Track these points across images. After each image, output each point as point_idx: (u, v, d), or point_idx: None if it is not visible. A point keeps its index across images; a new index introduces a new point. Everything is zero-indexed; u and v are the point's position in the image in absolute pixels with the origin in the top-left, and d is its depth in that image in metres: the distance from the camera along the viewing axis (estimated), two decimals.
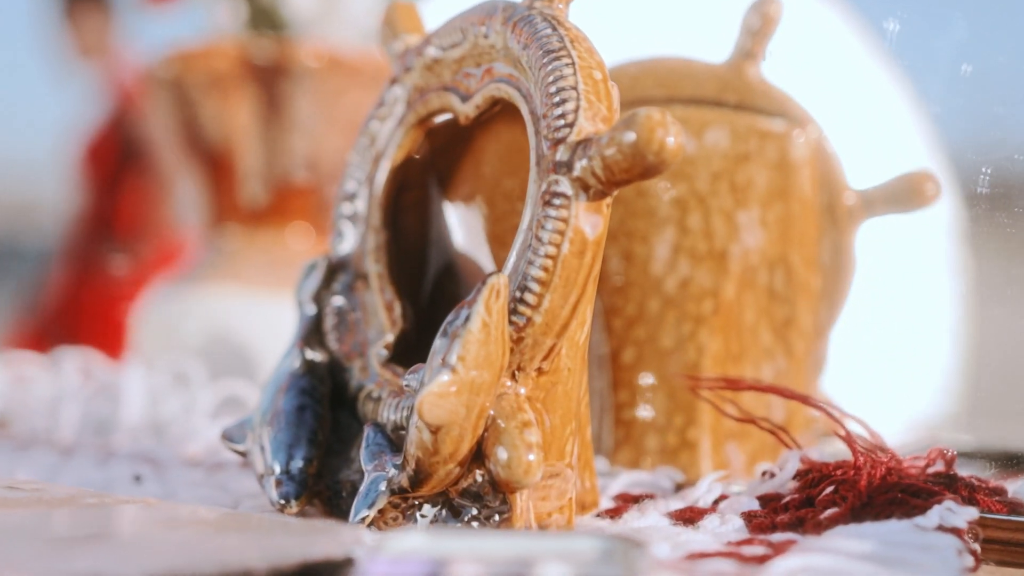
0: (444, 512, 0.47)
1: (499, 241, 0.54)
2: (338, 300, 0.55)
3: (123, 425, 0.70)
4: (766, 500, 0.50)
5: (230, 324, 0.85)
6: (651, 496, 0.53)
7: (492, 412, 0.44)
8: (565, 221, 0.44)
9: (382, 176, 0.55)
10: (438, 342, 0.44)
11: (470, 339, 0.44)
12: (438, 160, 0.56)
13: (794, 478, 0.51)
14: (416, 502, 0.47)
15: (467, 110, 0.52)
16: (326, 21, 0.90)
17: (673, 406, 0.59)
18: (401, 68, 0.55)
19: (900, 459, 0.48)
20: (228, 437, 0.53)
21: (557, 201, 0.45)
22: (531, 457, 0.44)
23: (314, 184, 0.88)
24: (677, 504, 0.51)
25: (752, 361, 0.60)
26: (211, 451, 0.65)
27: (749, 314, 0.59)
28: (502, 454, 0.44)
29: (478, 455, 0.45)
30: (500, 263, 0.54)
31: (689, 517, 0.49)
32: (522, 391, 0.46)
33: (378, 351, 0.53)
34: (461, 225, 0.55)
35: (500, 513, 0.46)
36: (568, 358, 0.47)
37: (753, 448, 0.59)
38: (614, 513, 0.50)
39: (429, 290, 0.56)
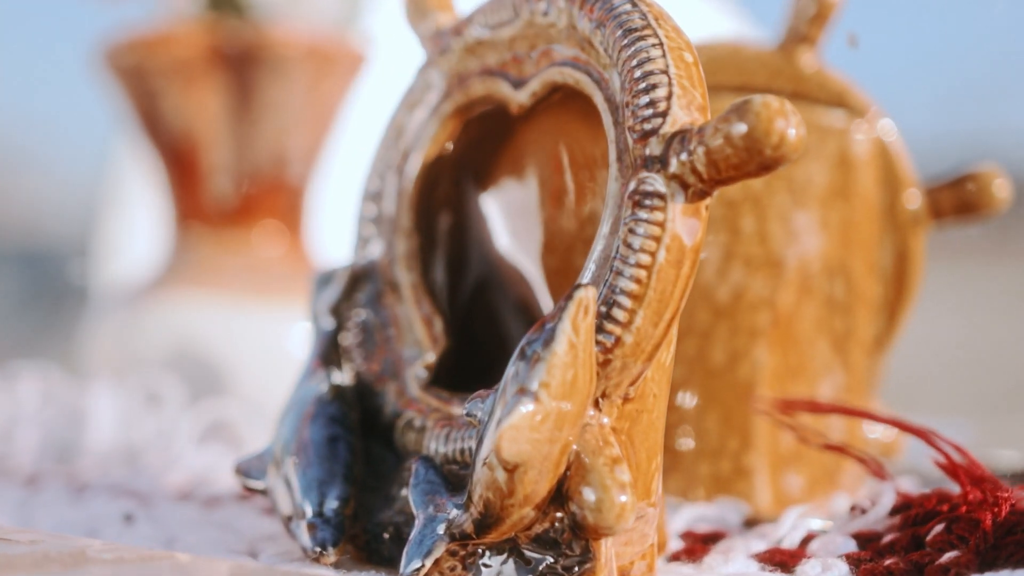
0: (512, 562, 0.40)
1: (549, 248, 0.47)
2: (363, 314, 0.49)
3: (90, 452, 0.62)
4: (864, 540, 0.44)
5: (195, 336, 0.77)
6: (722, 534, 0.48)
7: (575, 447, 0.38)
8: (660, 225, 0.38)
9: (412, 173, 0.49)
10: (515, 366, 0.38)
11: (555, 363, 0.37)
12: (472, 155, 0.49)
13: (890, 514, 0.45)
14: (479, 550, 0.41)
15: (521, 97, 0.45)
16: (292, 5, 0.83)
17: (727, 429, 0.53)
18: (435, 51, 0.48)
19: (1018, 493, 0.43)
20: (244, 472, 0.46)
21: (650, 202, 0.39)
22: (623, 499, 0.38)
23: (287, 181, 0.81)
24: (757, 543, 0.45)
25: (809, 378, 0.54)
26: (198, 482, 0.58)
27: (807, 326, 0.54)
28: (590, 496, 0.38)
29: (556, 496, 0.39)
30: (550, 271, 0.48)
31: (781, 561, 0.43)
32: (606, 421, 0.40)
33: (417, 372, 0.46)
34: (501, 229, 0.49)
35: (581, 563, 0.40)
36: (654, 383, 0.41)
37: (813, 474, 0.54)
38: (691, 556, 0.44)
39: (465, 302, 0.50)
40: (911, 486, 0.47)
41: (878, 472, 0.47)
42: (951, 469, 0.44)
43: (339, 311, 0.49)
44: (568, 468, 0.38)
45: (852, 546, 0.44)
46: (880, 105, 0.55)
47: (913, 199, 0.56)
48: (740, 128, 0.37)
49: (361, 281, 0.49)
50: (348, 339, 0.49)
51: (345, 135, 0.86)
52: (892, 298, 0.56)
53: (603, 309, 0.39)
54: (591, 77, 0.42)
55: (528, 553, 0.40)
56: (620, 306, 0.38)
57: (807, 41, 0.55)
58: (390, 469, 0.45)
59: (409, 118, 0.49)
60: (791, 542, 0.45)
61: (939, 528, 0.43)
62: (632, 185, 0.39)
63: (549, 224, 0.47)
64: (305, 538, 0.42)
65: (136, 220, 1.29)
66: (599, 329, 0.39)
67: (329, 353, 0.49)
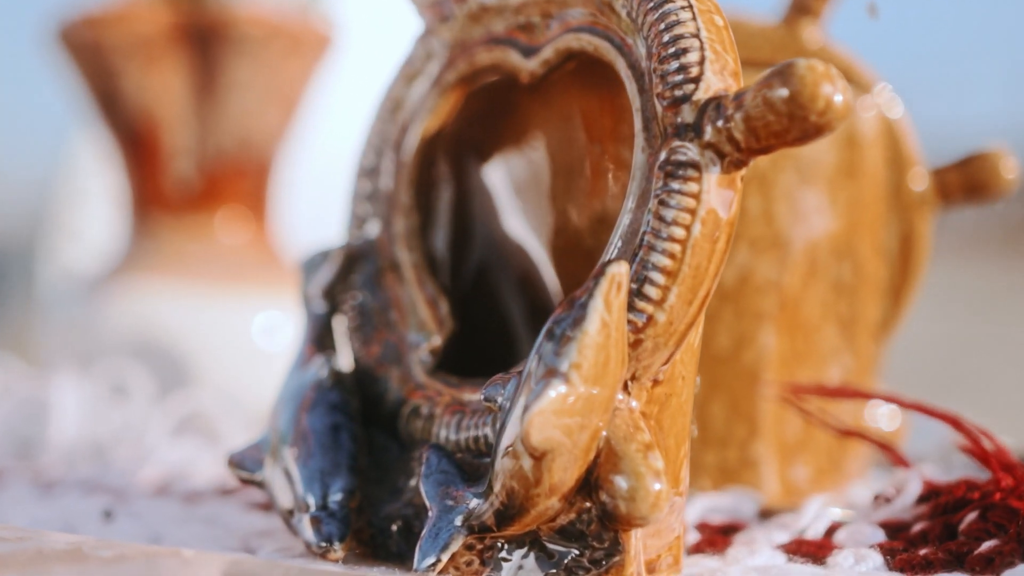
0: (533, 556, 0.38)
1: (557, 225, 0.45)
2: (359, 296, 0.46)
3: (54, 446, 0.59)
4: (892, 529, 0.43)
5: (157, 325, 0.74)
6: (740, 525, 0.45)
7: (604, 433, 0.36)
8: (695, 197, 0.36)
9: (411, 148, 0.46)
10: (542, 346, 0.36)
11: (587, 343, 0.35)
12: (474, 128, 0.47)
13: (918, 502, 0.44)
14: (497, 544, 0.38)
15: (532, 66, 0.43)
16: None
17: (733, 416, 0.51)
18: (434, 19, 0.46)
19: None
20: (238, 464, 0.44)
21: (683, 172, 0.36)
22: (657, 487, 0.35)
23: (252, 164, 0.78)
24: (779, 534, 0.43)
25: (817, 363, 0.52)
26: (174, 476, 0.55)
27: (815, 310, 0.52)
28: (623, 484, 0.35)
29: (584, 485, 0.37)
30: (557, 250, 0.45)
31: (809, 552, 0.41)
32: (635, 405, 0.37)
33: (422, 357, 0.44)
34: (505, 207, 0.47)
35: (609, 556, 0.37)
36: (683, 365, 0.39)
37: (819, 463, 0.52)
38: (714, 548, 0.42)
39: (465, 283, 0.47)
40: (936, 473, 0.45)
41: (900, 460, 0.45)
42: (981, 455, 0.43)
43: (333, 293, 0.46)
44: (597, 455, 0.36)
45: (881, 536, 0.42)
46: (888, 82, 0.54)
47: (919, 179, 0.54)
48: (783, 93, 0.35)
49: (357, 261, 0.46)
50: (344, 323, 0.46)
51: (311, 118, 0.83)
52: (898, 281, 0.55)
53: (633, 286, 0.36)
54: (612, 43, 0.40)
55: (551, 546, 0.38)
56: (652, 283, 0.36)
57: (811, 14, 0.54)
58: (394, 459, 0.43)
59: (407, 90, 0.47)
60: (815, 532, 0.43)
61: (972, 516, 0.41)
62: (663, 155, 0.37)
63: (557, 200, 0.45)
64: (309, 533, 0.40)
65: (94, 206, 1.25)
66: (630, 307, 0.36)
67: (323, 338, 0.46)
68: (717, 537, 0.44)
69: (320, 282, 0.46)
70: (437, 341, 0.44)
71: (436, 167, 0.47)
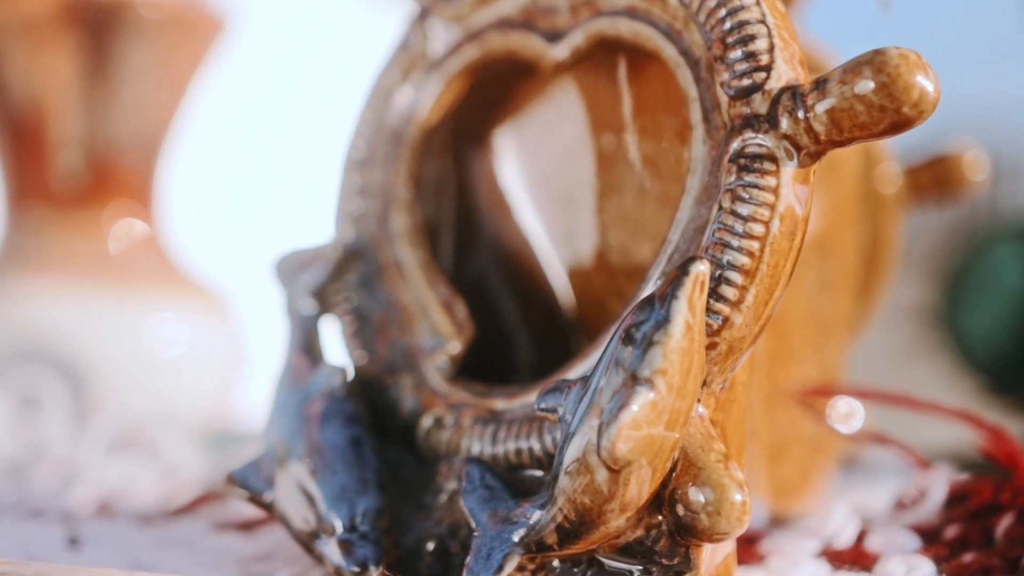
0: (592, 575, 0.36)
1: (565, 224, 0.43)
2: (355, 298, 0.43)
3: None
4: (925, 534, 0.41)
5: (38, 329, 0.68)
6: (758, 534, 0.44)
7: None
8: (773, 191, 0.34)
9: (410, 140, 0.43)
10: (617, 351, 0.33)
11: (672, 347, 0.33)
12: (473, 119, 0.44)
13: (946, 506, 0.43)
14: (552, 563, 0.35)
15: (558, 53, 0.40)
16: None
17: None
18: (434, 0, 0.43)
19: None
20: (242, 483, 0.39)
21: (759, 165, 0.34)
22: (739, 498, 0.33)
23: (143, 156, 0.73)
24: (808, 543, 0.42)
25: (799, 360, 0.51)
26: (112, 496, 0.50)
27: (797, 307, 0.51)
28: (705, 496, 0.33)
29: (653, 499, 0.34)
30: (563, 248, 0.43)
31: (849, 560, 0.40)
32: (704, 412, 0.35)
33: (438, 364, 0.41)
34: (509, 204, 0.44)
35: (679, 573, 0.35)
36: (743, 370, 0.37)
37: (801, 466, 0.51)
38: (749, 559, 0.41)
39: (470, 284, 0.44)
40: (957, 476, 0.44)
41: (920, 462, 0.44)
42: (1005, 454, 0.42)
43: (324, 295, 0.43)
44: (673, 467, 0.34)
45: (915, 541, 0.41)
46: None
47: (890, 176, 0.53)
48: (873, 83, 0.33)
49: (351, 261, 0.43)
50: (339, 327, 0.42)
51: (201, 107, 0.78)
52: (870, 279, 0.54)
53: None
54: (657, 29, 0.38)
55: (610, 563, 0.35)
56: (730, 283, 0.34)
57: (787, 3, 0.52)
58: (411, 474, 0.40)
59: (402, 77, 0.43)
60: (847, 540, 0.42)
61: (1008, 520, 0.40)
62: (735, 146, 0.35)
63: (570, 203, 0.42)
64: (337, 557, 0.36)
65: None
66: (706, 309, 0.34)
67: (311, 342, 0.42)
68: (741, 546, 0.42)
69: (308, 283, 0.43)
70: (456, 347, 0.41)
71: (427, 160, 0.44)
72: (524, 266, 0.44)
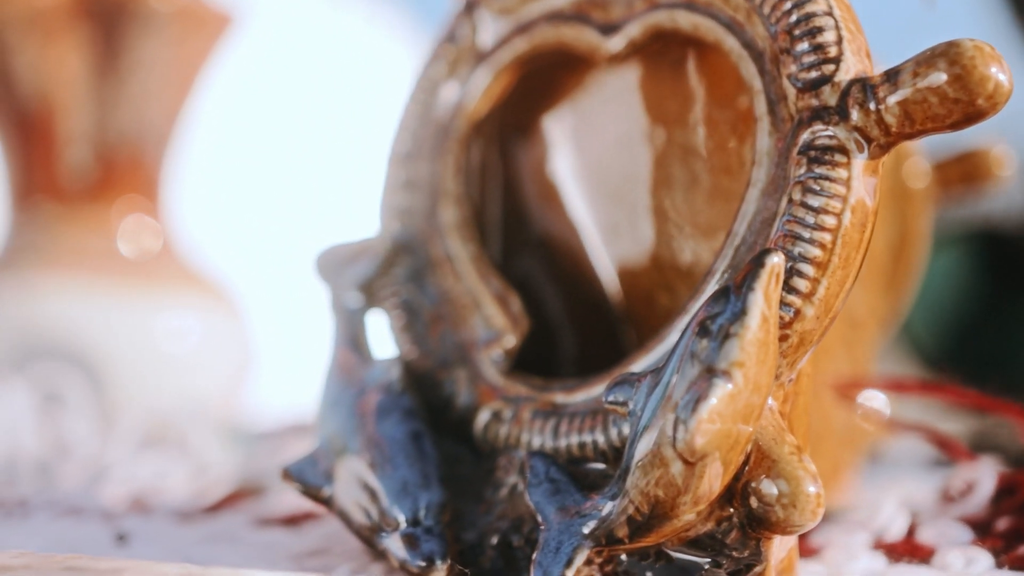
0: (658, 568, 0.35)
1: (613, 218, 0.42)
2: (403, 292, 0.42)
3: None
4: (978, 527, 0.42)
5: (48, 325, 0.68)
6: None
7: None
8: (845, 183, 0.34)
9: (458, 132, 0.43)
10: (692, 343, 0.33)
11: (749, 339, 0.33)
12: (516, 111, 0.44)
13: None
14: (619, 556, 0.35)
15: (613, 45, 0.40)
16: None
17: None
18: None
19: None
20: (299, 478, 0.39)
21: (830, 157, 0.34)
22: (813, 490, 0.33)
23: (152, 151, 0.72)
24: (859, 536, 0.42)
25: (830, 355, 0.51)
26: (147, 492, 0.49)
27: None
28: (778, 488, 0.33)
29: (725, 491, 0.34)
30: (612, 242, 0.43)
31: (905, 552, 0.40)
32: (773, 405, 0.35)
33: (494, 357, 0.40)
34: (556, 196, 0.44)
35: (749, 566, 0.35)
36: (808, 361, 0.37)
37: (833, 459, 0.51)
38: (807, 551, 0.41)
39: (516, 277, 0.44)
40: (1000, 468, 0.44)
41: (964, 454, 0.44)
42: None
43: (372, 290, 0.42)
44: (746, 459, 0.34)
45: (968, 534, 0.41)
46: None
47: (917, 169, 0.54)
48: (947, 76, 0.33)
49: (400, 255, 0.42)
50: (388, 321, 0.42)
51: (209, 102, 0.78)
52: (898, 272, 0.54)
53: None
54: (718, 21, 0.38)
55: (678, 556, 0.35)
56: (802, 275, 0.34)
57: None
58: (468, 468, 0.39)
59: (448, 70, 0.43)
60: (898, 532, 0.42)
61: None
62: (805, 137, 0.35)
63: (624, 190, 0.42)
64: (402, 552, 0.36)
65: None
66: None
67: (358, 336, 0.42)
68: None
69: (356, 277, 0.42)
70: (512, 341, 0.40)
71: (483, 152, 0.43)
72: (570, 259, 0.44)
